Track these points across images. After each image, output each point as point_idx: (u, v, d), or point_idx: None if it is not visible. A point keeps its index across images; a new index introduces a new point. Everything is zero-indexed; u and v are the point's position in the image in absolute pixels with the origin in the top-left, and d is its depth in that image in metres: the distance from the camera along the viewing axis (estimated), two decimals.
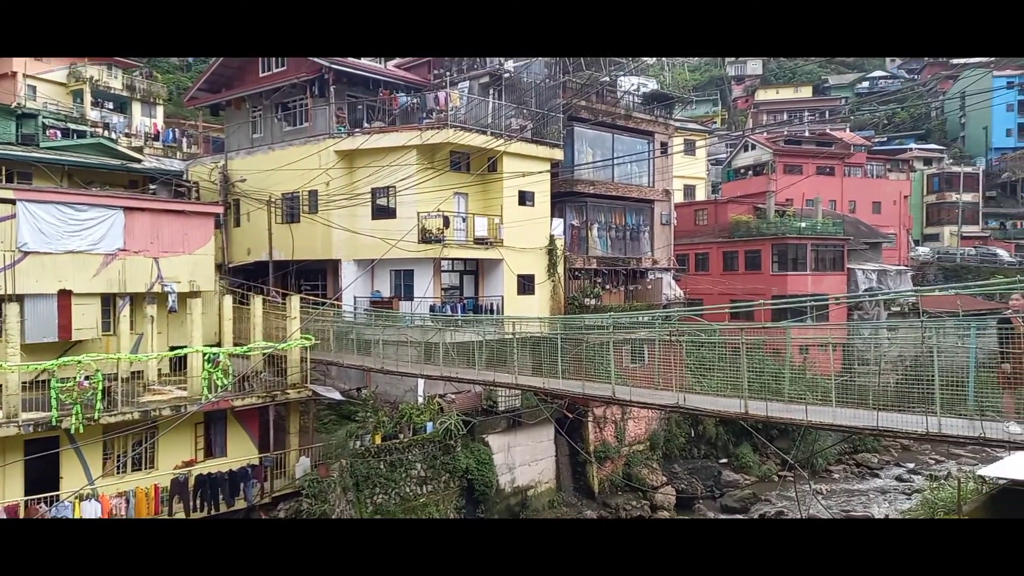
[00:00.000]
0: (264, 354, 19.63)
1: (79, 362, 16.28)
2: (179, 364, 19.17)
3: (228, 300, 20.22)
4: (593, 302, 27.56)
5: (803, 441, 29.38)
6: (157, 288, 19.80)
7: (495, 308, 24.93)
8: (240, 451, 19.26)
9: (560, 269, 27.11)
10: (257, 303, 20.35)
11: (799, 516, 24.63)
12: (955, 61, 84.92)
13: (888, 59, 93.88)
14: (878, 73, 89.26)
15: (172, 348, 19.72)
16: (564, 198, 28.10)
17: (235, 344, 19.75)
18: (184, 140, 37.40)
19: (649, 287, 30.89)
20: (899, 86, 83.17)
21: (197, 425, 18.58)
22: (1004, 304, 10.45)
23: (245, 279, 24.74)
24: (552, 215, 27.07)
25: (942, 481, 24.32)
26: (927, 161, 65.87)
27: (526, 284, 25.91)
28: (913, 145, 69.81)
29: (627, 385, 14.68)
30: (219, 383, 17.97)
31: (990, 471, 16.86)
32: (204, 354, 18.08)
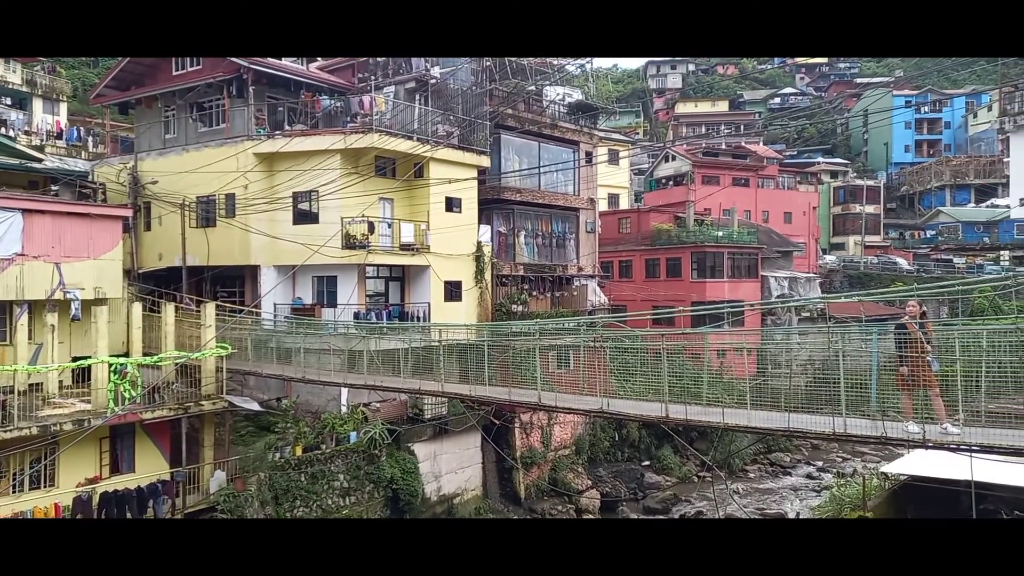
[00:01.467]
0: (176, 364, 18.75)
1: None
2: (83, 375, 18.06)
3: (137, 307, 19.24)
4: (520, 308, 27.69)
5: (721, 442, 30.35)
6: (59, 295, 18.63)
7: (422, 315, 24.69)
8: (149, 466, 18.32)
9: (487, 276, 27.12)
10: (169, 311, 19.46)
11: (718, 516, 25.41)
12: (859, 80, 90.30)
13: (798, 77, 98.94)
14: (788, 90, 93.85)
15: (75, 358, 18.57)
16: (491, 205, 28.15)
17: (145, 354, 18.80)
18: (90, 139, 35.44)
19: (575, 294, 31.30)
20: (808, 103, 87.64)
21: (102, 440, 17.56)
22: (903, 310, 11.08)
23: (156, 286, 23.59)
24: (479, 222, 27.07)
25: (848, 478, 25.62)
26: (833, 174, 69.56)
27: (453, 291, 25.79)
28: (820, 159, 73.61)
29: (553, 391, 14.80)
30: (126, 395, 17.07)
31: (892, 468, 17.89)
32: (110, 364, 17.12)
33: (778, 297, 39.93)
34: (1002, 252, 55.57)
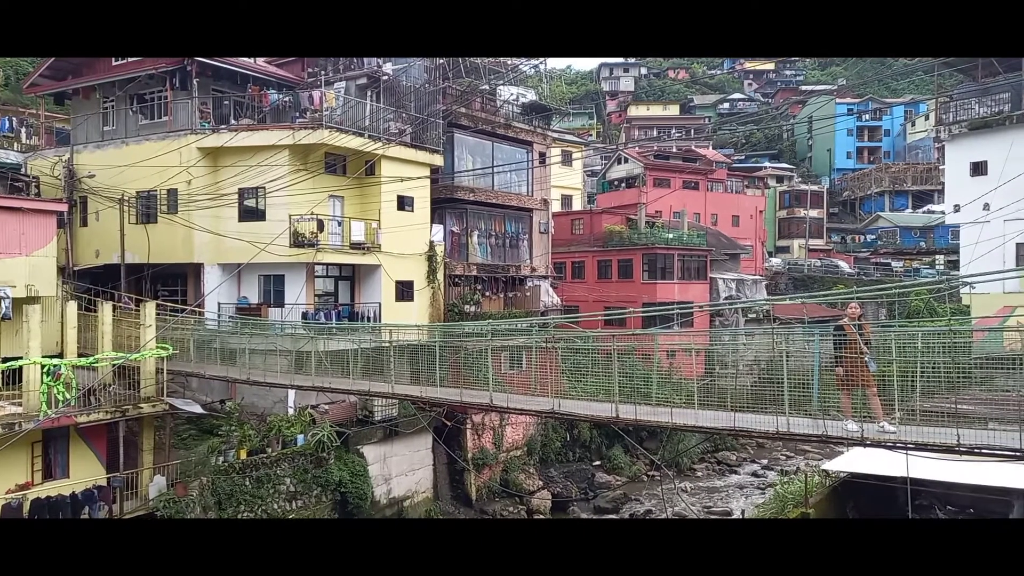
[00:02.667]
0: (114, 365, 18.05)
1: None
2: (14, 377, 17.22)
3: (72, 306, 18.46)
4: (473, 309, 27.57)
5: (670, 442, 30.79)
6: None
7: (373, 315, 24.35)
8: (85, 471, 17.59)
9: (440, 275, 26.91)
10: (106, 310, 18.72)
11: (666, 515, 25.75)
12: (804, 88, 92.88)
13: (746, 83, 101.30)
14: (737, 96, 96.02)
15: (5, 360, 17.69)
16: (444, 204, 27.96)
17: (80, 355, 18.05)
18: (23, 131, 33.85)
19: (528, 294, 31.32)
20: (755, 108, 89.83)
21: (34, 444, 16.79)
22: (844, 312, 11.39)
23: (93, 284, 22.69)
24: (432, 221, 26.84)
25: (792, 476, 26.25)
26: (779, 179, 71.41)
27: (405, 290, 25.51)
28: (767, 164, 75.50)
29: (505, 392, 14.76)
30: (60, 398, 16.36)
31: (833, 465, 18.37)
32: (43, 366, 16.38)
33: (726, 298, 40.73)
34: (937, 256, 57.84)
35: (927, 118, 70.34)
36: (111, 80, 24.95)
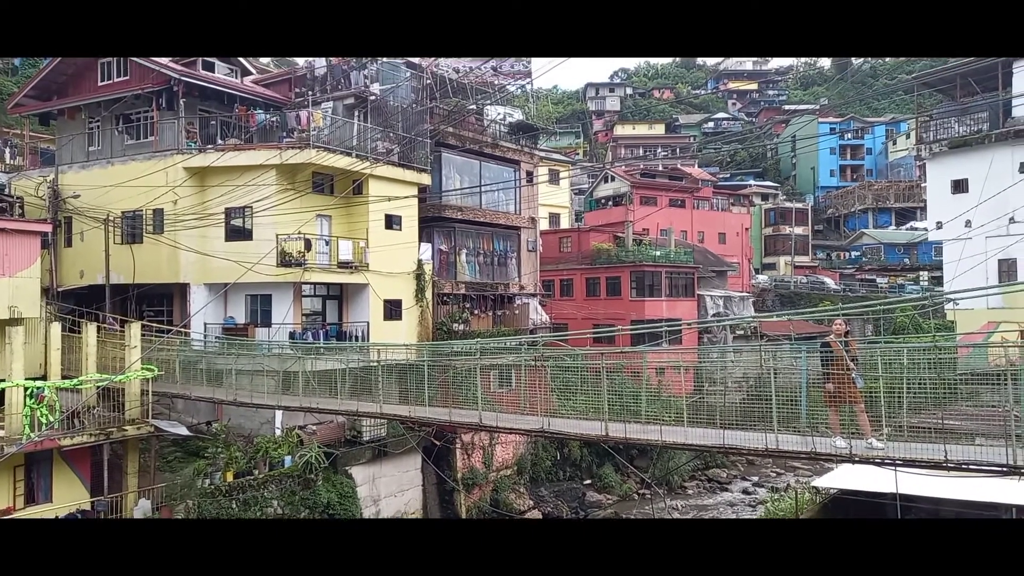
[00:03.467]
0: (98, 387, 17.83)
1: None
2: None
3: (56, 328, 18.26)
4: (461, 327, 27.50)
5: (660, 460, 30.71)
6: None
7: (361, 334, 24.22)
8: (68, 495, 17.30)
9: (428, 294, 26.87)
10: (91, 331, 18.53)
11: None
12: (787, 107, 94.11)
13: (730, 103, 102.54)
14: (721, 115, 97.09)
15: None
16: (432, 223, 27.98)
17: (64, 376, 17.82)
18: (7, 151, 33.64)
19: (516, 312, 31.31)
20: (740, 127, 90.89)
21: (17, 468, 16.52)
22: (831, 328, 11.45)
23: (77, 304, 22.45)
24: (420, 239, 26.83)
25: (782, 493, 26.24)
26: (764, 197, 72.10)
27: (393, 309, 25.42)
28: (752, 182, 76.21)
29: (494, 411, 14.68)
30: (43, 420, 16.13)
31: (823, 482, 18.40)
32: (26, 388, 16.15)
33: (714, 315, 40.90)
34: (922, 272, 58.47)
35: (908, 137, 71.41)
36: (97, 100, 24.87)
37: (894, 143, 78.42)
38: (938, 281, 56.92)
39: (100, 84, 25.06)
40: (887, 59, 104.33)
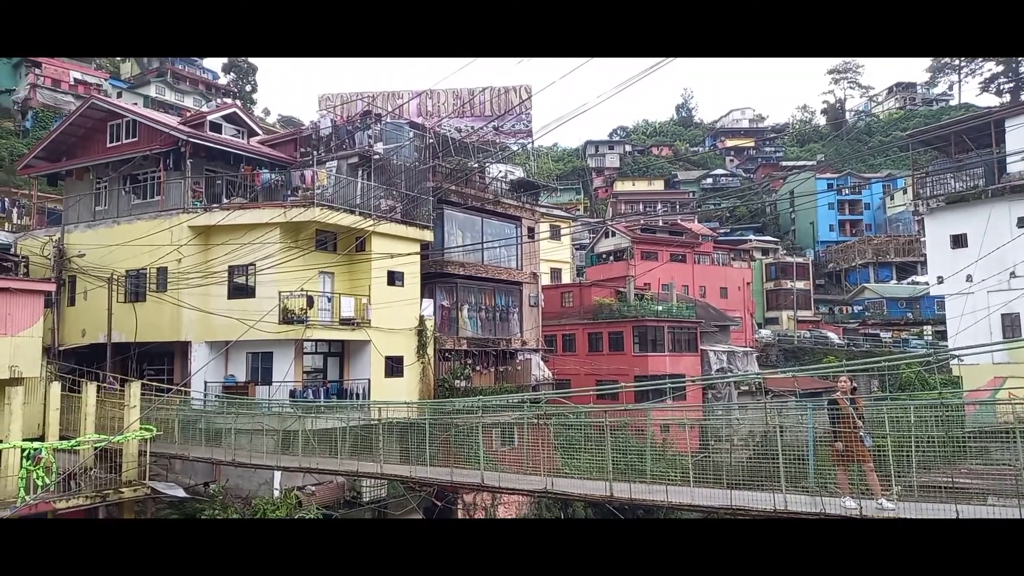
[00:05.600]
0: (96, 448, 17.59)
1: None
2: None
3: (56, 387, 18.13)
4: (463, 383, 27.29)
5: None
6: None
7: (362, 392, 24.03)
8: None
9: (430, 350, 26.76)
10: (90, 390, 18.39)
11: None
12: (784, 163, 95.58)
13: (727, 159, 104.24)
14: (720, 171, 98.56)
15: None
16: (434, 279, 28.09)
17: (62, 437, 17.61)
18: (15, 211, 34.16)
19: (519, 368, 31.12)
20: (738, 183, 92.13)
21: None
22: (836, 384, 11.34)
23: (78, 363, 22.39)
24: (422, 296, 26.89)
25: None
26: (764, 251, 72.52)
27: (395, 366, 25.29)
28: (752, 237, 76.80)
29: (496, 470, 14.45)
30: (39, 482, 15.84)
31: None
32: (23, 450, 15.93)
33: (717, 370, 40.60)
34: (925, 327, 58.26)
35: (905, 192, 72.32)
36: (105, 161, 25.35)
37: (891, 198, 79.29)
38: (942, 336, 56.66)
39: (109, 145, 25.60)
40: (881, 116, 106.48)
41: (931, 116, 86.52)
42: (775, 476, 10.69)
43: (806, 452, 11.34)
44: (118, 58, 76.23)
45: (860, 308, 65.86)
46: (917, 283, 63.74)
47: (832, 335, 58.53)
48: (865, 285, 67.40)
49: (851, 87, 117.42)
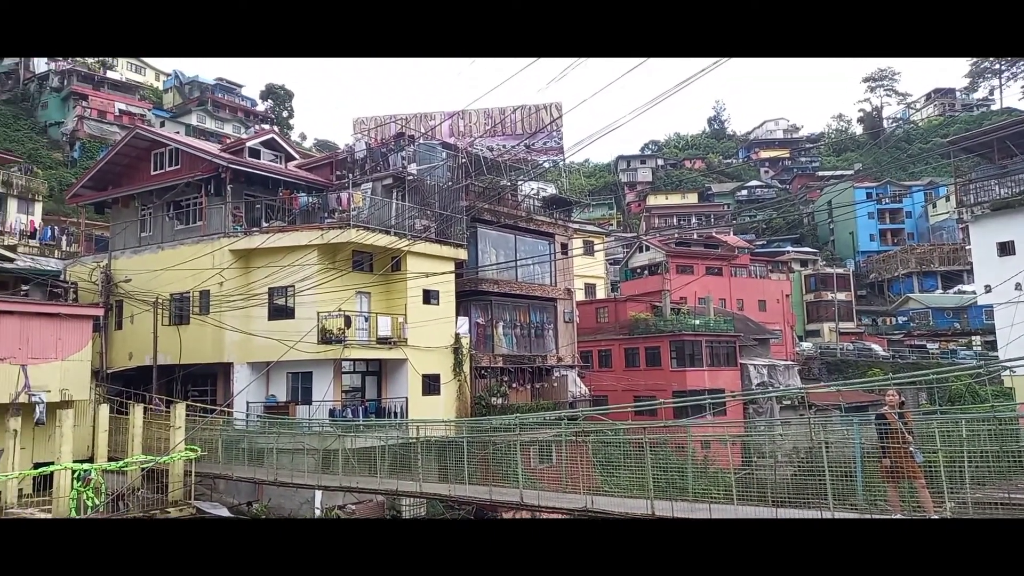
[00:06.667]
0: (143, 469, 17.99)
1: None
2: (44, 483, 17.21)
3: (104, 410, 18.63)
4: (500, 401, 27.26)
5: None
6: (23, 398, 17.98)
7: (399, 410, 24.18)
8: None
9: (466, 368, 26.83)
10: (137, 412, 18.86)
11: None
12: (821, 174, 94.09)
13: (762, 170, 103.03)
14: (754, 183, 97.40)
15: (37, 465, 17.75)
16: (469, 296, 28.22)
17: (111, 458, 18.05)
18: (64, 238, 35.34)
19: (555, 384, 30.99)
20: (773, 195, 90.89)
21: None
22: (882, 396, 11.06)
23: (125, 386, 22.96)
24: (457, 313, 27.02)
25: None
26: (803, 263, 71.30)
27: (431, 384, 25.40)
28: (790, 248, 75.59)
29: (535, 488, 14.36)
30: (89, 503, 16.24)
31: None
32: (73, 471, 16.37)
33: (758, 385, 39.90)
34: (973, 337, 56.52)
35: (948, 199, 70.55)
36: (150, 189, 26.14)
37: (934, 206, 77.40)
38: (992, 346, 54.91)
39: (153, 173, 26.40)
40: (919, 123, 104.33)
41: (972, 122, 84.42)
42: (822, 493, 10.43)
43: (853, 468, 11.04)
44: (161, 88, 78.76)
45: (904, 319, 64.21)
46: (964, 292, 61.93)
47: (876, 347, 57.12)
48: (909, 295, 65.73)
49: (887, 94, 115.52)
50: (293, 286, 22.93)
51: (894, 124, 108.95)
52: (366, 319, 23.82)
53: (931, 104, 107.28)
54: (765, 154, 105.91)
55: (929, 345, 57.56)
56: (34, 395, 18.11)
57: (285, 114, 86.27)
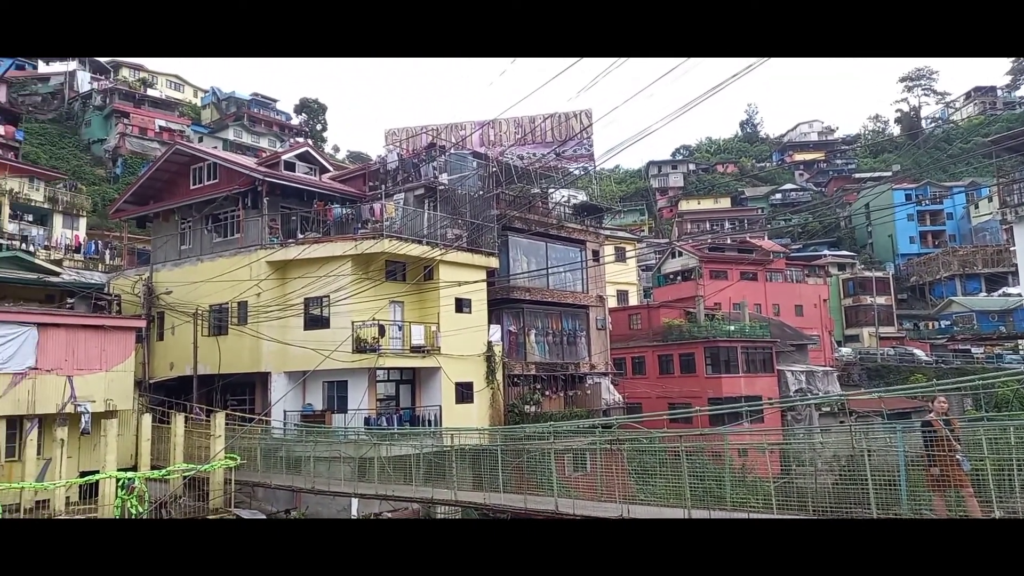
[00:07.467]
0: (184, 477, 18.35)
1: None
2: (90, 491, 17.66)
3: (147, 419, 19.06)
4: (533, 409, 27.23)
5: None
6: (69, 408, 18.49)
7: (433, 418, 24.30)
8: None
9: (499, 375, 26.86)
10: (179, 421, 19.25)
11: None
12: (857, 176, 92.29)
13: (796, 173, 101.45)
14: (789, 186, 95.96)
15: (83, 473, 18.21)
16: (501, 304, 28.28)
17: (153, 466, 18.45)
18: (107, 252, 36.36)
19: (588, 392, 30.85)
20: (809, 198, 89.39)
21: None
22: (923, 402, 10.79)
23: (167, 395, 23.47)
24: (490, 321, 27.09)
25: None
26: (840, 266, 69.91)
27: (465, 392, 25.49)
28: (827, 252, 74.23)
29: (570, 496, 14.29)
30: (133, 511, 16.62)
31: None
32: (118, 479, 16.77)
33: (796, 392, 39.18)
34: (1020, 340, 54.80)
35: (990, 200, 68.61)
36: (189, 203, 26.76)
37: (976, 207, 75.37)
38: None
39: (192, 188, 27.03)
40: (959, 123, 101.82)
41: (1014, 120, 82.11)
42: (864, 502, 10.20)
43: (897, 476, 10.78)
44: (199, 105, 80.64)
45: (948, 323, 62.52)
46: (1009, 295, 60.15)
47: (919, 352, 55.71)
48: (952, 299, 64.00)
49: (925, 94, 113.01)
50: (328, 296, 23.24)
51: (932, 124, 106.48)
52: (400, 328, 24.03)
53: (971, 103, 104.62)
54: (799, 157, 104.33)
55: (974, 349, 55.94)
56: (80, 405, 18.62)
57: (319, 127, 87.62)
